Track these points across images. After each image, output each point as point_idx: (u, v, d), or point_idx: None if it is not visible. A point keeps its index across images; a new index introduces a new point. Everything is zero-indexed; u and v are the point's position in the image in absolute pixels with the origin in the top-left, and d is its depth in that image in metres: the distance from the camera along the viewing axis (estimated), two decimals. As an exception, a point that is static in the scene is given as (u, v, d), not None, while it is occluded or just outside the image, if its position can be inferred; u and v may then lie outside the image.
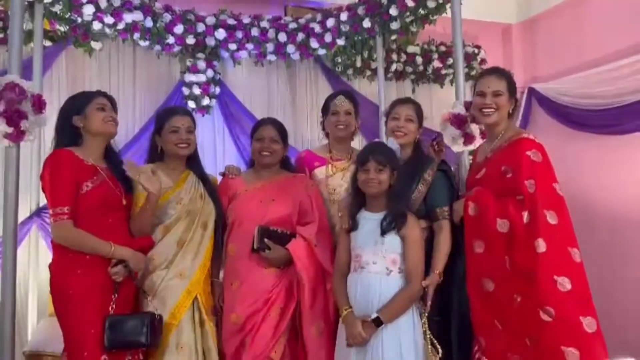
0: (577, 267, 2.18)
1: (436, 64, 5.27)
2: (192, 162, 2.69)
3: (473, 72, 5.46)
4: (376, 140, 2.69)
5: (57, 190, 2.24)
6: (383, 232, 2.28)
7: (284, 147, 2.80)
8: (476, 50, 5.47)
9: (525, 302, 2.17)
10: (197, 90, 4.50)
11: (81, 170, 2.30)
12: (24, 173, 4.01)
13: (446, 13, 3.95)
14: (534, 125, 5.27)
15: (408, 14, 4.07)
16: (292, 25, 4.62)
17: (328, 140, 2.98)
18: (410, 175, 2.48)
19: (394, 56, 5.12)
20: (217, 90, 4.59)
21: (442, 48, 5.31)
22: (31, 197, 3.92)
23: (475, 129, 3.02)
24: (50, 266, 2.33)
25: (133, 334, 2.24)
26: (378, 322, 2.22)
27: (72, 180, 2.25)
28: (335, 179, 2.85)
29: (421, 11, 3.93)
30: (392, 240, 2.29)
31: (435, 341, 2.26)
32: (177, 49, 4.49)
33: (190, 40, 4.45)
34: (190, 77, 4.50)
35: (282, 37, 4.57)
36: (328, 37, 4.52)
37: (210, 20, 4.50)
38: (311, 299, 2.56)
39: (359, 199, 2.41)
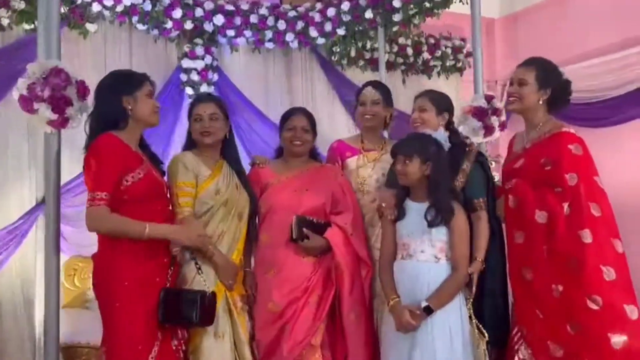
0: (620, 257, 2.29)
1: (426, 55, 5.39)
2: (227, 150, 2.67)
3: (459, 65, 5.64)
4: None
5: (101, 175, 2.16)
6: (430, 225, 2.35)
7: (314, 136, 2.83)
8: (462, 43, 5.62)
9: (568, 291, 2.27)
10: (195, 77, 4.43)
11: (129, 159, 2.24)
12: (21, 160, 3.87)
13: (448, 8, 4.06)
14: (518, 118, 5.48)
15: (412, 6, 4.15)
16: (292, 14, 4.62)
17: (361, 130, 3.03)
18: (448, 165, 2.54)
19: (386, 47, 5.19)
20: (215, 77, 4.53)
21: (431, 40, 5.43)
22: (37, 185, 3.78)
23: (494, 120, 3.15)
24: (95, 257, 2.27)
25: (186, 309, 2.23)
26: (429, 310, 2.30)
27: (118, 168, 2.18)
28: (366, 169, 2.91)
29: (427, 4, 4.01)
30: (440, 229, 2.37)
31: (480, 326, 2.36)
32: (174, 33, 4.41)
33: (189, 25, 4.39)
34: (188, 63, 4.43)
35: (281, 25, 4.57)
36: (328, 26, 4.55)
37: (209, 6, 4.44)
38: (350, 286, 2.62)
39: (404, 188, 2.48)
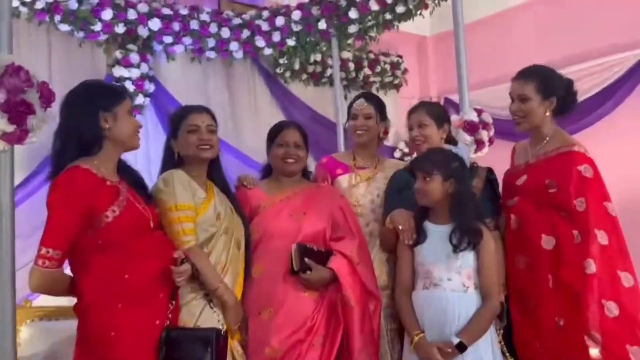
0: (626, 292, 2.10)
1: (366, 71, 5.25)
2: (215, 169, 2.28)
3: (397, 81, 5.57)
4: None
5: (57, 226, 1.75)
6: (455, 249, 2.13)
7: (307, 153, 2.52)
8: (400, 60, 5.56)
9: (569, 325, 2.10)
10: (130, 87, 3.90)
11: (102, 196, 1.81)
12: None
13: (412, 20, 3.93)
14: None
15: (369, 18, 3.97)
16: (236, 21, 4.25)
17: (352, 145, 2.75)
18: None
19: (329, 61, 4.98)
20: (152, 87, 4.04)
21: (372, 56, 5.31)
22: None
23: (484, 134, 3.02)
24: (77, 308, 1.80)
25: (198, 350, 1.82)
26: (462, 347, 2.05)
27: (81, 216, 1.77)
28: (359, 189, 2.63)
29: (387, 15, 3.85)
30: (466, 254, 2.15)
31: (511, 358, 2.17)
32: (103, 37, 3.87)
33: (120, 28, 3.86)
34: (120, 72, 3.89)
35: (225, 32, 4.18)
36: (276, 36, 4.23)
37: (143, 8, 3.96)
38: (360, 322, 2.30)
39: (421, 209, 2.23)
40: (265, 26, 4.24)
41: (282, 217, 2.35)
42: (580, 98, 2.52)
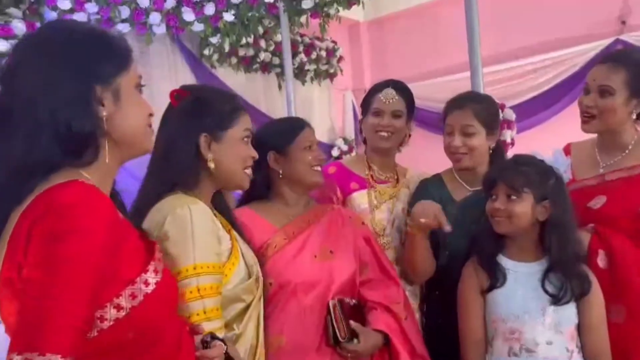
0: None
1: (302, 57, 4.55)
2: (217, 194, 1.46)
3: (332, 70, 4.93)
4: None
5: (71, 290, 0.83)
6: (556, 300, 1.53)
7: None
8: (335, 46, 4.92)
9: None
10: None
11: (129, 246, 0.95)
12: None
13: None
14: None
15: (330, -10, 3.27)
16: (158, -13, 3.33)
17: (365, 149, 2.03)
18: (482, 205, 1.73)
19: (263, 43, 4.21)
20: (45, 67, 3.00)
21: (307, 39, 4.60)
22: None
23: (507, 135, 2.46)
24: None
25: None
26: None
27: (107, 268, 0.88)
28: (382, 211, 1.94)
29: (354, -12, 3.17)
30: (567, 306, 1.56)
31: None
32: (-28, -4, 2.79)
33: (-3, -14, 2.81)
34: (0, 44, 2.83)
35: (144, 1, 3.25)
36: (210, 9, 3.37)
37: (31, -40, 2.92)
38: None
39: (494, 239, 1.61)
40: (195, -5, 3.36)
41: (304, 260, 1.59)
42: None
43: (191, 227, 1.20)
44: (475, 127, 1.82)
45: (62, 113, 0.89)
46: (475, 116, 1.83)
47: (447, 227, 1.64)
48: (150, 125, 1.03)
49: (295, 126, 1.72)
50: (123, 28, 3.28)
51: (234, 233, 1.39)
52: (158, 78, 3.61)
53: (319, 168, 1.68)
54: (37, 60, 0.91)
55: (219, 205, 1.43)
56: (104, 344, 0.87)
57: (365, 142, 2.02)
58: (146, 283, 0.91)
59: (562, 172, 1.68)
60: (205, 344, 1.06)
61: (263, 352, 1.37)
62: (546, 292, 1.55)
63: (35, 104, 0.89)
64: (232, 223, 1.43)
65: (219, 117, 1.35)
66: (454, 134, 1.83)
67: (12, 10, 2.90)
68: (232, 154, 1.36)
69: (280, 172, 1.65)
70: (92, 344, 0.86)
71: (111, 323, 0.87)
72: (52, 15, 3.08)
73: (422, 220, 1.65)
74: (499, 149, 1.96)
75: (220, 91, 1.49)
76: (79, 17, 3.14)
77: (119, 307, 0.88)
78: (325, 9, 3.39)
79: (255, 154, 1.42)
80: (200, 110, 1.33)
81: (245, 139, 1.40)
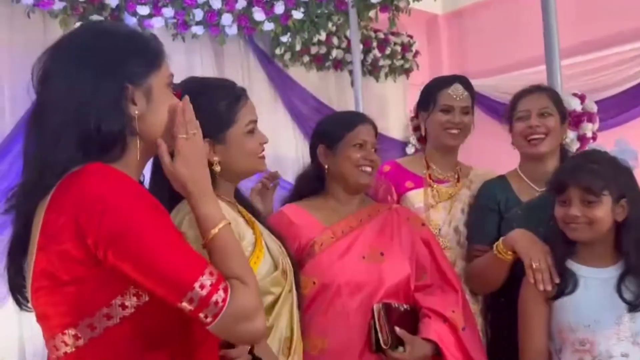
0: None
1: (376, 53, 4.48)
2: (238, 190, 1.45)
3: (407, 65, 4.82)
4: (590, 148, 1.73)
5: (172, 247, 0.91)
6: (634, 307, 1.40)
7: None
8: (411, 41, 4.81)
9: None
10: (95, 70, 3.03)
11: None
12: None
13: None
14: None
15: (398, -18, 3.20)
16: (229, -11, 3.41)
17: (424, 148, 1.97)
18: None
19: (335, 40, 4.20)
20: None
21: (380, 35, 4.53)
22: None
23: (588, 129, 2.30)
24: None
25: None
26: None
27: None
28: (439, 211, 1.86)
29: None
30: (643, 315, 1.42)
31: None
32: (59, 5, 2.98)
33: (81, -6, 2.99)
34: (84, 50, 3.01)
35: (216, 3, 3.33)
36: (279, 8, 3.40)
37: (111, -30, 3.08)
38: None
39: (565, 243, 1.50)
40: (265, -5, 3.41)
41: (352, 260, 1.56)
42: None
43: None
44: (551, 110, 1.76)
45: (92, 112, 0.92)
46: (550, 99, 1.78)
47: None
48: None
49: (350, 121, 1.68)
50: (197, 30, 3.41)
51: (258, 226, 1.37)
52: (232, 79, 3.71)
53: (368, 169, 1.61)
54: (68, 61, 0.95)
55: (240, 199, 1.41)
56: (127, 331, 0.90)
57: (421, 140, 1.96)
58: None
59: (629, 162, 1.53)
60: (229, 343, 1.06)
61: (301, 346, 1.35)
62: (623, 299, 1.42)
63: (65, 103, 0.92)
64: (255, 215, 1.41)
65: (215, 119, 1.26)
66: (531, 117, 1.76)
67: (95, 17, 3.08)
68: (239, 152, 1.30)
69: (327, 167, 1.62)
70: (118, 329, 0.89)
71: (132, 310, 0.90)
72: (132, 21, 3.24)
73: (534, 265, 1.49)
74: (562, 147, 1.85)
75: (213, 85, 1.37)
76: (157, 21, 3.28)
77: (138, 296, 0.90)
78: (395, 2, 3.32)
79: (266, 138, 1.34)
80: (195, 116, 1.08)
81: (250, 131, 1.31)
